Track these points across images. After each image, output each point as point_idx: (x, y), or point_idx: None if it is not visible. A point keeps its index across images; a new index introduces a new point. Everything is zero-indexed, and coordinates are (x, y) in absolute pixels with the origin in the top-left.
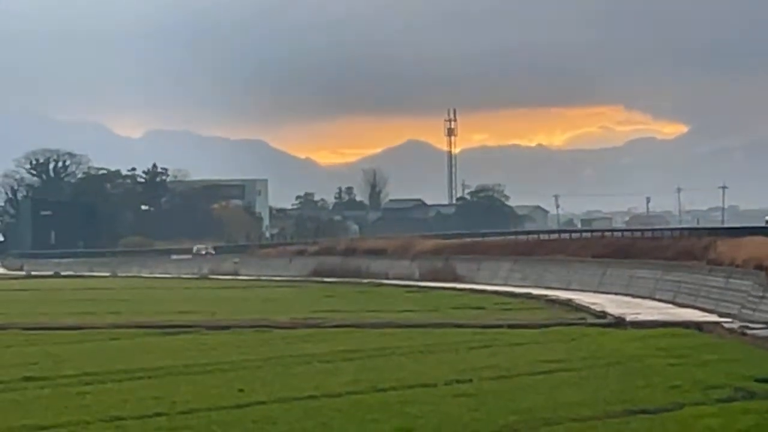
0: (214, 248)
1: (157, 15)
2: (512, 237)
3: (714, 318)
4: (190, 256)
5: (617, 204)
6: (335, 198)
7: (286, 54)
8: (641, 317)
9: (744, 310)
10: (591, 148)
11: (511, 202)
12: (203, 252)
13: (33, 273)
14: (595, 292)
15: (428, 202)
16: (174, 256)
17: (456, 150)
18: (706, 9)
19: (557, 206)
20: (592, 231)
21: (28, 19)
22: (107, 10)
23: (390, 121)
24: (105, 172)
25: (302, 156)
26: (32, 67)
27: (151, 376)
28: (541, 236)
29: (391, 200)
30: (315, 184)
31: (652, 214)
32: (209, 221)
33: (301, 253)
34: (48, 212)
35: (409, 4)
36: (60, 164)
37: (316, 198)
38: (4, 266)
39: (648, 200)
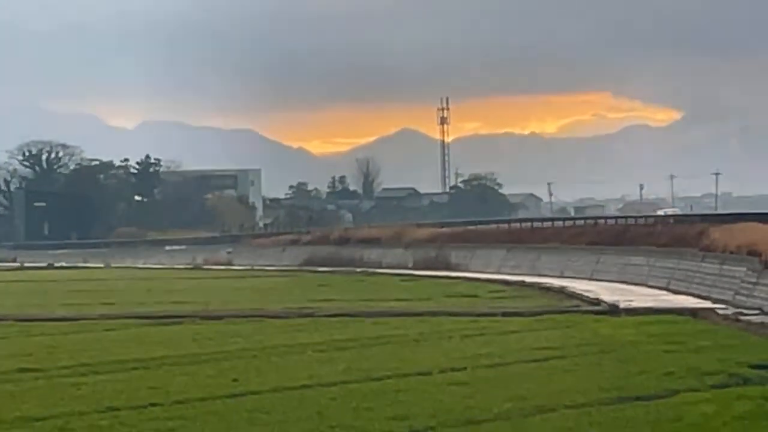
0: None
1: (149, 7)
2: (505, 225)
3: (708, 304)
4: (184, 247)
5: (610, 191)
6: (328, 187)
7: (278, 44)
8: (635, 304)
9: (738, 296)
10: (584, 135)
11: (504, 190)
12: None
13: (26, 264)
14: (588, 279)
15: (421, 190)
16: (168, 247)
17: (449, 138)
18: None
19: (550, 194)
20: (585, 218)
21: (22, 11)
22: (101, 1)
23: (383, 110)
24: (98, 163)
25: (295, 145)
26: (26, 58)
27: (146, 367)
28: (535, 224)
29: (384, 189)
30: (308, 174)
31: (646, 201)
32: (202, 211)
33: (294, 242)
34: (41, 203)
35: None
36: (53, 155)
37: (310, 187)
38: None
39: (641, 187)
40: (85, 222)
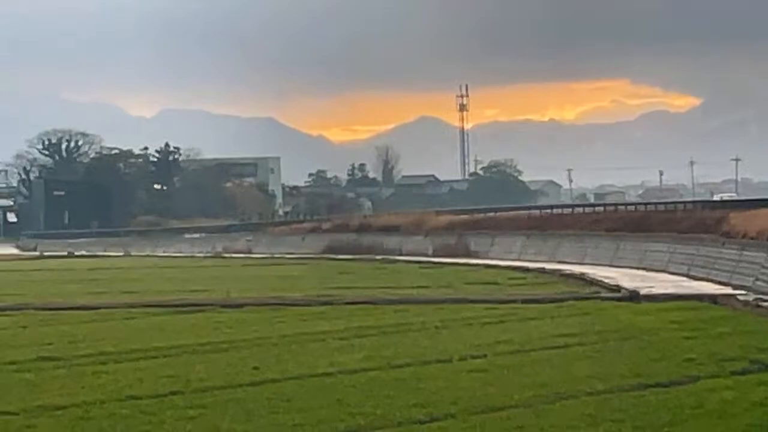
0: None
1: None
2: (525, 212)
3: (728, 290)
4: (203, 235)
5: (630, 178)
6: (348, 175)
7: (296, 32)
8: (655, 291)
9: (758, 282)
10: (604, 122)
11: (524, 177)
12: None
13: (46, 253)
14: (608, 266)
15: (441, 178)
16: (187, 235)
17: (468, 126)
18: None
19: (570, 180)
20: (605, 205)
21: (41, 3)
22: None
23: (402, 97)
24: (118, 151)
25: (314, 133)
26: (46, 48)
27: (166, 355)
28: (555, 211)
29: (404, 176)
30: (327, 161)
31: (666, 187)
32: (222, 199)
33: (314, 230)
34: (61, 192)
35: None
36: (73, 144)
37: (329, 175)
38: (17, 247)
39: (661, 173)
40: (104, 211)
